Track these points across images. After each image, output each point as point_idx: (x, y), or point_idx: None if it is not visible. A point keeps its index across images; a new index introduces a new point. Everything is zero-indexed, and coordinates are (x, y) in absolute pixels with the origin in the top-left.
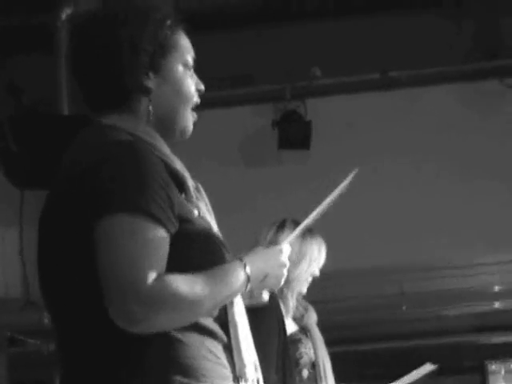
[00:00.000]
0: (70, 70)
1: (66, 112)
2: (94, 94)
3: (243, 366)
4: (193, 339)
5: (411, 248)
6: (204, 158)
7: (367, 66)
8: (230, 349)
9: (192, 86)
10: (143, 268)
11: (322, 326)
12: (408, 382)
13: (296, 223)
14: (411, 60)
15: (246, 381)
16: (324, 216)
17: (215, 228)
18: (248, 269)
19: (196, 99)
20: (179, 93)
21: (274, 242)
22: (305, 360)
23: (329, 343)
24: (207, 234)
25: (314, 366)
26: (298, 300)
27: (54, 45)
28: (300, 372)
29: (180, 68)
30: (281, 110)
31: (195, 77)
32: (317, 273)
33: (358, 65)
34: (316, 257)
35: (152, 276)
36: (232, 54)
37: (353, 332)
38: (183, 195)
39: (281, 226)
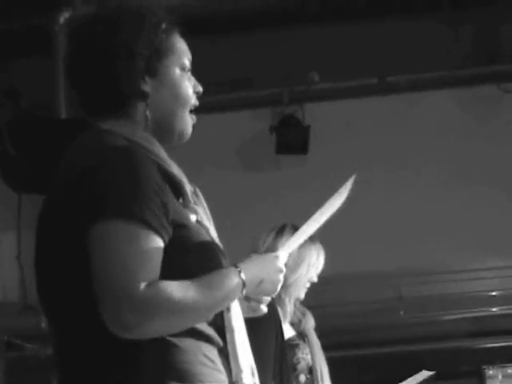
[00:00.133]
0: (67, 75)
1: (64, 116)
2: (91, 99)
3: (240, 371)
4: (189, 344)
5: (409, 253)
6: (202, 163)
7: (365, 70)
8: (225, 353)
9: (189, 88)
10: (137, 274)
11: (319, 330)
12: None
13: (295, 228)
14: (409, 65)
15: None
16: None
17: (213, 233)
18: (243, 274)
19: (194, 101)
20: (177, 96)
21: (273, 247)
22: (302, 365)
23: (327, 348)
24: (203, 239)
25: (311, 371)
26: (295, 305)
27: (52, 48)
28: (297, 377)
29: (177, 71)
30: (279, 115)
31: (193, 79)
32: (315, 279)
33: (356, 69)
34: (314, 262)
35: (145, 282)
36: (230, 58)
37: (351, 337)
38: (180, 200)
39: (280, 231)
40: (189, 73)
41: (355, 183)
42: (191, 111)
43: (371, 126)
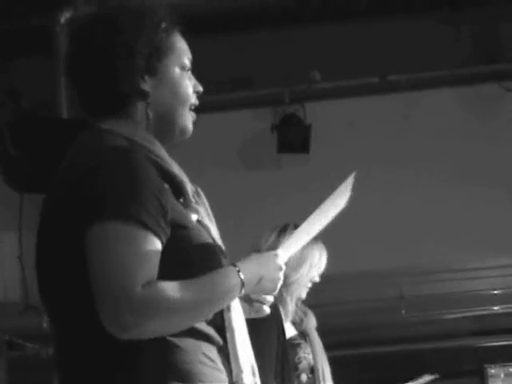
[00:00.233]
0: (67, 75)
1: (65, 115)
2: (91, 99)
3: (240, 371)
4: (189, 344)
5: (410, 252)
6: (203, 162)
7: (366, 69)
8: (225, 353)
9: (189, 87)
10: (135, 275)
11: (321, 329)
12: None
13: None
14: (410, 64)
15: None
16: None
17: (215, 233)
18: (241, 273)
19: (194, 100)
20: (176, 95)
21: (275, 246)
22: (303, 365)
23: (328, 347)
24: (203, 240)
25: (312, 370)
26: (297, 305)
27: (53, 48)
28: (299, 376)
29: (177, 70)
30: (280, 114)
31: (193, 78)
32: (316, 279)
33: (357, 68)
34: (316, 262)
35: (143, 283)
36: (231, 58)
37: (352, 336)
38: (181, 200)
39: (282, 231)
40: (189, 72)
41: (356, 181)
42: (191, 110)
43: (373, 124)
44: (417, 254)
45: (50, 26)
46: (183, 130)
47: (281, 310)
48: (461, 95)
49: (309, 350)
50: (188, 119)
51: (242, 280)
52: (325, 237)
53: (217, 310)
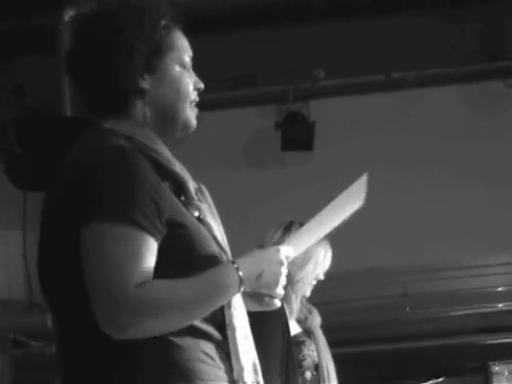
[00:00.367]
0: (68, 72)
1: (68, 114)
2: (92, 97)
3: (241, 369)
4: (188, 342)
5: (415, 249)
6: (207, 160)
7: (371, 67)
8: (225, 350)
9: (190, 84)
10: (131, 275)
11: (325, 327)
12: None
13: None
14: (415, 61)
15: None
16: None
17: (217, 230)
18: (240, 270)
19: (194, 97)
20: (177, 92)
21: (280, 243)
22: (308, 362)
23: (332, 344)
24: (202, 238)
25: (317, 368)
26: (301, 302)
27: (56, 47)
28: (303, 374)
29: (177, 68)
30: (284, 112)
31: (194, 76)
32: (321, 277)
33: (361, 66)
34: (321, 260)
35: (139, 282)
36: (235, 56)
37: (356, 333)
38: (183, 198)
39: (287, 228)
40: (190, 70)
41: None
42: (193, 106)
43: (376, 121)
44: (421, 251)
45: (53, 25)
46: (186, 124)
47: (286, 307)
48: (465, 93)
49: (313, 347)
50: (190, 113)
51: (240, 277)
52: (329, 235)
53: (214, 307)
